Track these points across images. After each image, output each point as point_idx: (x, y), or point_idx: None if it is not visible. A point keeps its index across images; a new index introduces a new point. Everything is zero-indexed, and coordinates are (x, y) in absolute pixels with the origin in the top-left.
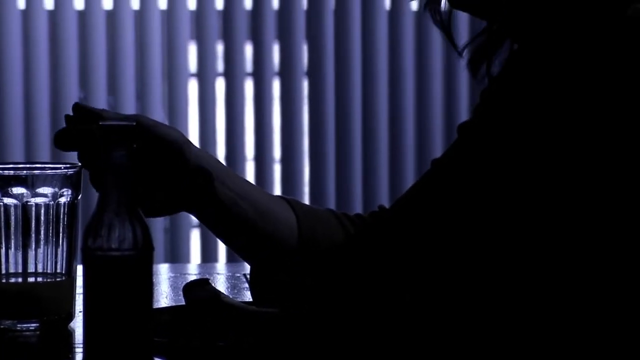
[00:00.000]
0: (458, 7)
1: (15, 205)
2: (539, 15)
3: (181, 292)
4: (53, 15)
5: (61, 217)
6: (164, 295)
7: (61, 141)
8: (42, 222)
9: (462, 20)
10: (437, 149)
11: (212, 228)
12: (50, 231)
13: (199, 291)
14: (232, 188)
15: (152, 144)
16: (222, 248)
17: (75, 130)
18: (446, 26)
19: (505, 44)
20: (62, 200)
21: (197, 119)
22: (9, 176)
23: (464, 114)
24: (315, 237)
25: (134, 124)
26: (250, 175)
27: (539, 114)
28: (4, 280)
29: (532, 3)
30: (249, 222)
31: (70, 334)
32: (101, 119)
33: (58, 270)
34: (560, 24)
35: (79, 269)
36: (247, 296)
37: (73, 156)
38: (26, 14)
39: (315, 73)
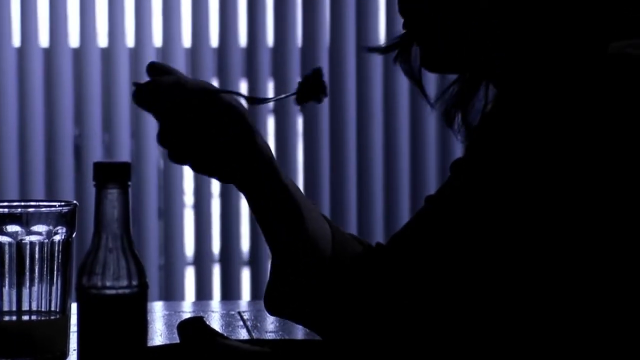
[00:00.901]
0: (436, 72)
1: (10, 244)
2: (522, 56)
3: (176, 330)
4: (48, 53)
5: (56, 255)
6: (159, 333)
7: (140, 96)
8: (36, 260)
9: None
10: (432, 186)
11: (261, 195)
12: (45, 269)
13: (193, 329)
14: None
15: (217, 107)
16: (216, 286)
17: (154, 86)
18: (417, 78)
19: (478, 93)
20: (57, 238)
21: None
22: (3, 214)
23: (457, 151)
24: (345, 253)
25: (129, 162)
26: (245, 212)
27: (528, 150)
28: None
29: (515, 46)
30: (297, 203)
31: None
32: (179, 78)
33: (52, 309)
34: (543, 63)
35: (74, 306)
36: (242, 334)
37: (68, 194)
38: (21, 52)
39: (309, 110)
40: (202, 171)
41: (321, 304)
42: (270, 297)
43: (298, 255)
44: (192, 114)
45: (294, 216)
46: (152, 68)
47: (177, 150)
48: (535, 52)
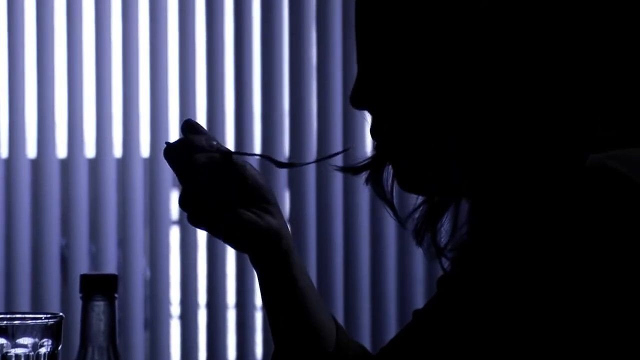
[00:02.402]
0: (411, 191)
1: None
2: (498, 174)
3: None
4: (35, 164)
5: None
6: None
7: (168, 153)
8: None
9: None
10: (419, 301)
11: (268, 278)
12: None
13: None
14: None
15: (238, 176)
16: None
17: (182, 146)
18: (389, 200)
19: (447, 213)
20: (43, 350)
21: (178, 266)
22: None
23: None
24: (347, 353)
25: (116, 274)
26: (231, 322)
27: (514, 267)
28: None
29: (490, 165)
30: (306, 290)
31: None
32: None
33: None
34: (521, 180)
35: None
36: None
37: (54, 306)
38: (8, 163)
39: (296, 221)
40: (218, 237)
41: None
42: None
43: (299, 344)
44: (213, 180)
45: (298, 305)
46: (187, 125)
47: (194, 214)
48: (511, 168)
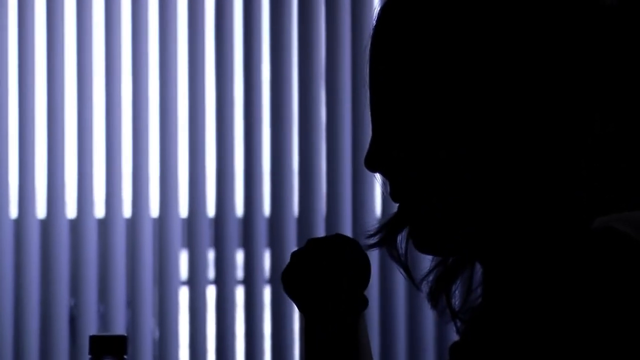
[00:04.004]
0: (427, 253)
1: None
2: (507, 236)
3: None
4: (45, 224)
5: None
6: None
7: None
8: None
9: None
10: None
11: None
12: None
13: None
14: None
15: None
16: None
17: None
18: (403, 262)
19: (462, 275)
20: None
21: (187, 326)
22: None
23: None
24: None
25: (125, 335)
26: None
27: (526, 334)
28: None
29: (499, 228)
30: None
31: None
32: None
33: None
34: (529, 242)
35: None
36: None
37: None
38: (18, 223)
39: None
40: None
41: None
42: None
43: None
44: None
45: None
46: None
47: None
48: (519, 229)
